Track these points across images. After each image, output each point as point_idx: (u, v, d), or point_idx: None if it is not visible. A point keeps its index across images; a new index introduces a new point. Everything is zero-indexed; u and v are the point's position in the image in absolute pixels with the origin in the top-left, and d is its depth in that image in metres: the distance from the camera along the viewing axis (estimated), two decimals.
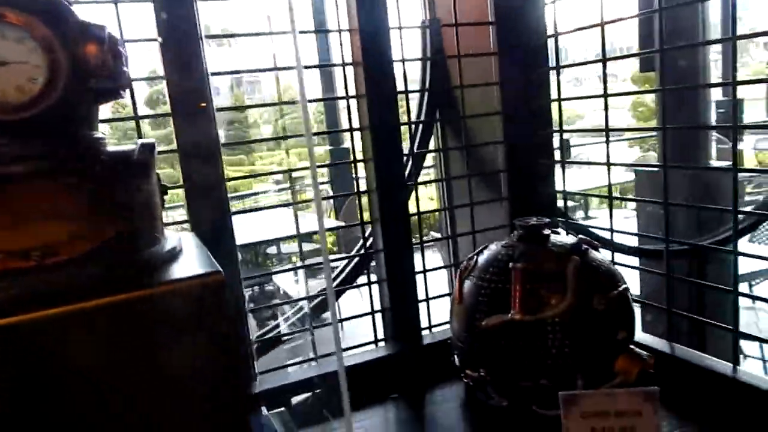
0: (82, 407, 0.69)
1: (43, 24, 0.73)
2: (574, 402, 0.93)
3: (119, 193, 0.76)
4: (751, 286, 3.55)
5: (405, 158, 1.63)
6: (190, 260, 0.81)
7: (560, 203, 1.61)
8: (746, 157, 7.82)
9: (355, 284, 1.78)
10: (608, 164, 1.39)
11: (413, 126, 2.05)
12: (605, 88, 1.35)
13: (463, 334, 1.18)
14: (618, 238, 2.00)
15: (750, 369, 1.11)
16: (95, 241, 0.71)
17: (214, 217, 1.23)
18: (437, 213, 2.00)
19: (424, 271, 1.52)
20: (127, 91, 0.88)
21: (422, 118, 1.82)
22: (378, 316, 1.51)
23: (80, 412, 0.69)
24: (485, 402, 1.17)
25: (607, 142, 1.39)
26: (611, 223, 1.43)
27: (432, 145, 1.92)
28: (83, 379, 0.69)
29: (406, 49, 1.62)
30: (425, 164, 2.32)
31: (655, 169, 3.14)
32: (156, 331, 0.71)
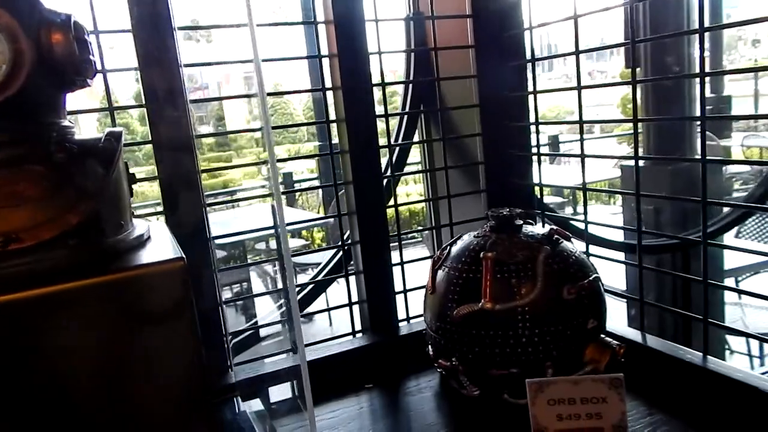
0: (40, 393, 0.69)
1: (6, 12, 0.73)
2: (541, 389, 0.94)
3: (84, 180, 0.76)
4: (737, 281, 3.60)
5: (389, 150, 1.65)
6: (157, 248, 0.81)
7: (547, 197, 1.62)
8: (733, 154, 7.88)
9: (331, 276, 1.78)
10: (582, 156, 1.41)
11: (399, 118, 2.07)
12: (578, 81, 1.36)
13: (436, 323, 1.20)
14: (604, 234, 2.03)
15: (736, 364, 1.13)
16: (59, 227, 0.72)
17: (188, 209, 1.24)
18: (426, 209, 2.02)
19: (402, 263, 1.53)
20: (96, 81, 0.88)
21: (407, 110, 1.84)
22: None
23: (38, 398, 0.69)
24: (458, 391, 1.19)
25: (581, 133, 1.41)
26: (585, 215, 1.44)
27: (417, 139, 1.94)
28: (44, 365, 0.69)
29: (392, 43, 1.63)
30: (417, 159, 2.34)
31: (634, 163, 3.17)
32: (118, 316, 0.72)
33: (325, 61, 1.40)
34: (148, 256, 0.77)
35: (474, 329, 1.12)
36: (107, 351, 0.72)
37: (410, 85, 1.90)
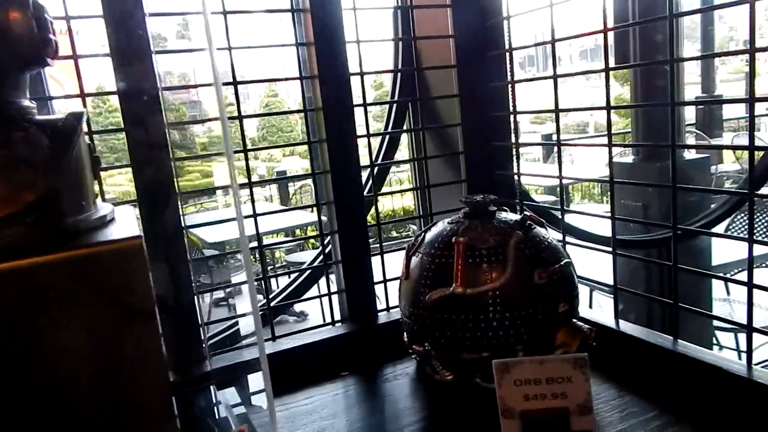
0: None
1: None
2: (507, 369, 0.95)
3: (42, 159, 0.76)
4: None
5: (368, 142, 1.65)
6: (118, 229, 0.81)
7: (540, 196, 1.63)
8: (724, 152, 7.93)
9: (305, 267, 1.78)
10: (558, 144, 1.41)
11: (387, 111, 2.08)
12: (555, 70, 1.37)
13: (410, 309, 1.20)
14: (593, 230, 2.04)
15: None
16: (14, 205, 0.72)
17: (162, 199, 1.24)
18: (415, 205, 2.02)
19: (381, 253, 1.53)
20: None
21: (396, 99, 1.85)
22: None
23: None
24: (432, 376, 1.19)
25: (557, 123, 1.41)
26: (561, 204, 1.45)
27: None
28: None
29: (378, 33, 1.64)
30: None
31: (630, 160, 3.20)
32: (75, 294, 0.72)
33: None
34: (107, 235, 0.77)
35: (446, 314, 1.12)
36: (63, 329, 0.72)
37: (398, 78, 1.91)
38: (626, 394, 1.11)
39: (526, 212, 1.24)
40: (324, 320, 1.51)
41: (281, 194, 7.89)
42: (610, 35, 2.47)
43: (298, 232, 7.02)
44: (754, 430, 0.98)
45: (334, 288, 1.51)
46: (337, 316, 1.51)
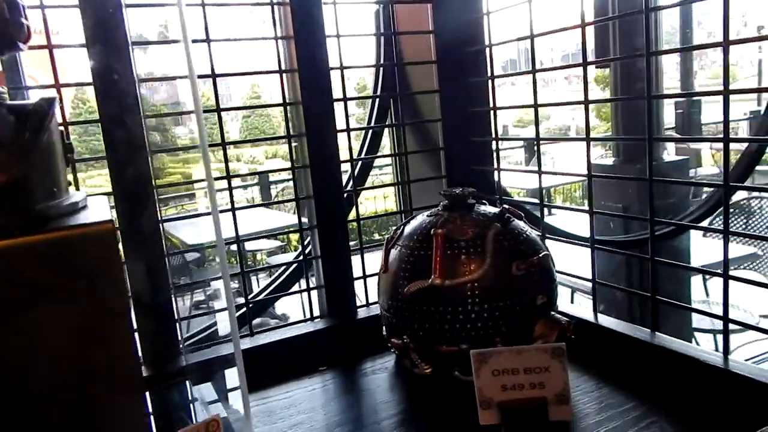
0: None
1: None
2: (485, 360, 0.94)
3: (12, 143, 0.74)
4: (705, 279, 3.66)
5: (348, 135, 1.64)
6: (90, 215, 0.80)
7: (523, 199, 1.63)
8: (703, 155, 8.07)
9: (287, 263, 1.77)
10: (537, 140, 1.42)
11: (369, 107, 2.08)
12: (533, 65, 1.37)
13: (388, 302, 1.19)
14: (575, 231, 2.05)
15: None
16: None
17: (137, 191, 1.22)
18: (397, 202, 2.02)
19: (361, 248, 1.52)
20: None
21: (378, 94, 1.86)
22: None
23: None
24: (411, 369, 1.18)
25: (536, 118, 1.42)
26: (541, 199, 1.45)
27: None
28: None
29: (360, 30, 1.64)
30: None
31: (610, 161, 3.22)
32: (44, 280, 0.70)
33: None
34: (78, 221, 0.76)
35: (424, 306, 1.12)
36: (30, 316, 0.70)
37: (380, 75, 1.91)
38: (604, 385, 1.11)
39: (505, 205, 1.24)
40: (305, 317, 1.50)
41: (263, 196, 7.83)
42: (592, 39, 2.49)
43: (280, 237, 6.97)
44: (730, 420, 0.98)
45: (313, 285, 1.51)
46: (317, 313, 1.50)
